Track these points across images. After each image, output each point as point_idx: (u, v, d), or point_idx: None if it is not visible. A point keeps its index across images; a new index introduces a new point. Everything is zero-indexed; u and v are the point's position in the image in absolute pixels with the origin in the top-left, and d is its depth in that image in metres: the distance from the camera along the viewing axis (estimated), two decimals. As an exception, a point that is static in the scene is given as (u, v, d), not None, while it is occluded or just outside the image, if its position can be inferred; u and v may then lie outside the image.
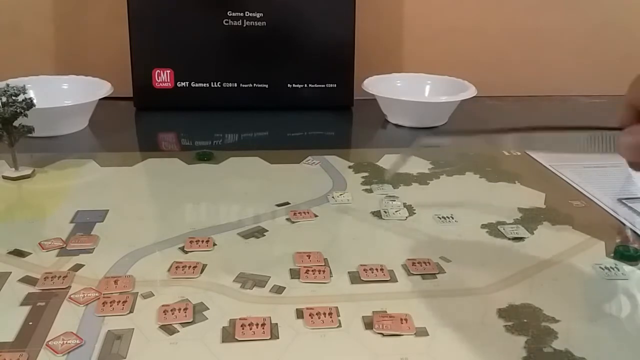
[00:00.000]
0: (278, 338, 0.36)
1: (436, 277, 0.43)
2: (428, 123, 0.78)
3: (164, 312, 0.37)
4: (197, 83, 0.82)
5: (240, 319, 0.37)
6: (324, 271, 0.43)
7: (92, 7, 0.86)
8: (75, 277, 0.41)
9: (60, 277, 0.41)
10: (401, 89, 0.82)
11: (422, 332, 0.36)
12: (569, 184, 0.60)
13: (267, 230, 0.49)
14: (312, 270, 0.43)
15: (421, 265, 0.44)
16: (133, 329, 0.36)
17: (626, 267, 0.45)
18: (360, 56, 0.84)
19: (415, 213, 0.53)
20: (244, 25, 0.81)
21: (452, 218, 0.52)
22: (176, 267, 0.42)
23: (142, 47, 0.80)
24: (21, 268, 0.42)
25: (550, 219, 0.52)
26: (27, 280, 0.41)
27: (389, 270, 0.43)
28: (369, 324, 0.37)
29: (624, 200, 0.56)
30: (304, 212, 0.52)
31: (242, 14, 0.81)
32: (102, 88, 0.73)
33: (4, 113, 0.55)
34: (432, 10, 0.92)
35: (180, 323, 0.37)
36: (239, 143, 0.73)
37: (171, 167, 0.62)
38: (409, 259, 0.44)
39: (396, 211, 0.53)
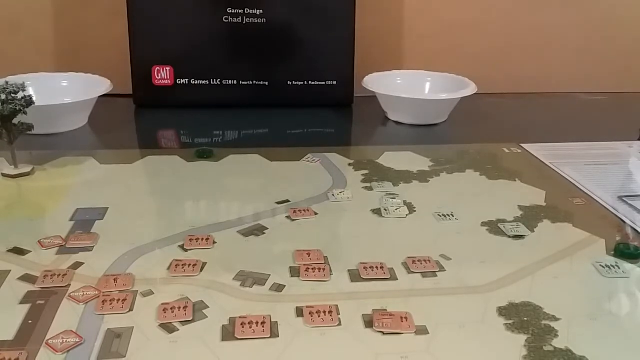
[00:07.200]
0: (278, 336, 0.36)
1: (436, 275, 0.43)
2: (428, 120, 0.78)
3: (163, 310, 0.37)
4: (197, 80, 0.82)
5: (240, 317, 0.37)
6: (324, 269, 0.42)
7: (91, 4, 0.86)
8: (75, 275, 0.41)
9: (59, 275, 0.41)
10: (401, 86, 0.82)
11: (422, 331, 0.36)
12: (570, 181, 0.60)
13: (267, 228, 0.49)
14: (312, 269, 0.42)
15: (421, 264, 0.44)
16: (133, 327, 0.36)
17: (627, 265, 0.45)
18: (360, 53, 0.84)
19: (415, 211, 0.52)
20: (244, 23, 0.81)
21: (453, 216, 0.52)
22: (176, 265, 0.42)
23: (142, 44, 0.80)
24: (21, 266, 0.42)
25: (551, 217, 0.52)
26: (27, 278, 0.41)
27: (389, 269, 0.43)
28: (369, 323, 0.37)
29: (624, 198, 0.56)
30: (304, 210, 0.52)
31: (241, 11, 0.80)
32: (101, 85, 0.73)
33: (4, 110, 0.54)
34: (432, 7, 0.92)
35: (180, 321, 0.37)
36: (239, 140, 0.72)
37: (171, 164, 0.62)
38: (409, 257, 0.44)
39: (396, 209, 0.52)
